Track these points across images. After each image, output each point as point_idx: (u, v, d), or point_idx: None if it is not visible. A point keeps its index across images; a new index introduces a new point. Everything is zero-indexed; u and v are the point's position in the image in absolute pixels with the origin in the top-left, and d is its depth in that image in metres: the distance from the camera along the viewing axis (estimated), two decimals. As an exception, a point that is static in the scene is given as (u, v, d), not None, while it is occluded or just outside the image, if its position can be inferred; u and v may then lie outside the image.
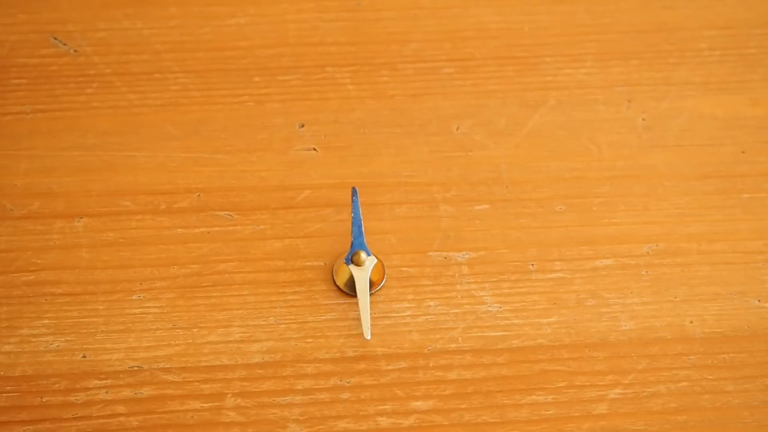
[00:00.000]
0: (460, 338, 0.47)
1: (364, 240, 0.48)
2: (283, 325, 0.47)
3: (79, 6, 0.58)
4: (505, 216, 0.51)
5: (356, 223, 0.48)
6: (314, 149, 0.53)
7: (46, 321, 0.47)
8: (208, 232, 0.50)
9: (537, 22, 0.58)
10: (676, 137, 0.54)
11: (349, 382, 0.46)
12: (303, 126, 0.54)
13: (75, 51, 0.56)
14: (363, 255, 0.47)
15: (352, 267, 0.47)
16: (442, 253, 0.49)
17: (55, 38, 0.56)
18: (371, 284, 0.48)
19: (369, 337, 0.46)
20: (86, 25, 0.57)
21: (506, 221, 0.51)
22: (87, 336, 0.47)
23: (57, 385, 0.46)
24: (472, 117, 0.54)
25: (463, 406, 0.45)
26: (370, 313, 0.47)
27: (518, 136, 0.54)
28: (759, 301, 0.48)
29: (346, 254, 0.48)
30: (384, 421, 0.45)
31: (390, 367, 0.46)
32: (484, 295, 0.48)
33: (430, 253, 0.49)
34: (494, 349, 0.47)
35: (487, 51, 0.57)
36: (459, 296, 0.48)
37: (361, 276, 0.47)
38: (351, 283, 0.48)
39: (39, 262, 0.49)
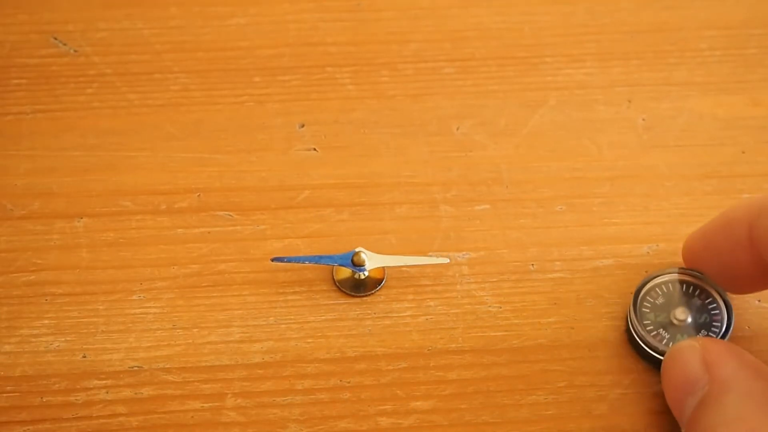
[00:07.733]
0: (460, 338, 0.47)
1: (332, 255, 0.48)
2: (283, 326, 0.47)
3: (79, 6, 0.58)
4: (505, 216, 0.51)
5: (314, 259, 0.48)
6: (314, 149, 0.53)
7: (46, 321, 0.47)
8: (208, 232, 0.50)
9: (537, 22, 0.58)
10: (676, 137, 0.54)
11: (349, 382, 0.46)
12: (303, 126, 0.54)
13: (75, 51, 0.56)
14: (363, 255, 0.47)
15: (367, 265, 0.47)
16: (442, 253, 0.49)
17: (55, 38, 0.56)
18: (371, 284, 0.48)
19: (448, 261, 0.48)
20: (86, 25, 0.57)
21: (506, 221, 0.51)
22: (87, 336, 0.47)
23: (57, 385, 0.46)
24: (472, 117, 0.54)
25: (463, 406, 0.45)
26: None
27: (518, 136, 0.53)
28: (759, 301, 0.48)
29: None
30: (384, 421, 0.45)
31: (390, 367, 0.46)
32: (484, 295, 0.48)
33: (430, 254, 0.49)
34: (494, 349, 0.47)
35: (487, 51, 0.57)
36: (459, 296, 0.48)
37: (388, 261, 0.48)
38: (351, 283, 0.48)
39: (39, 262, 0.49)
